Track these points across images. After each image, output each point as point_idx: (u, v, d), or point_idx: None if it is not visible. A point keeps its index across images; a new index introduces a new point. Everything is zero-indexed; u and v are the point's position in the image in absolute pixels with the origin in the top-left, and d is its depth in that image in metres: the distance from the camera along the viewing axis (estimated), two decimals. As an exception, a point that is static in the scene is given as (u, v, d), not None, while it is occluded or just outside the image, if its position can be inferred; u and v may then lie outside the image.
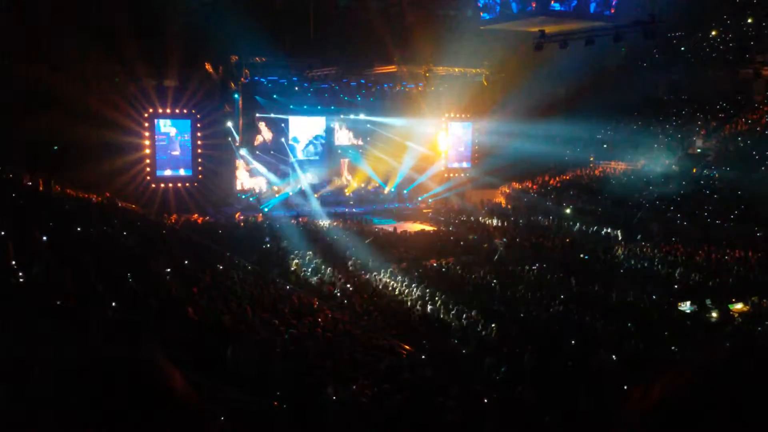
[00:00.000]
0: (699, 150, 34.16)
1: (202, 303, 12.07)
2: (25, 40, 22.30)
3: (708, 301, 17.23)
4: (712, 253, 22.81)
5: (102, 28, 23.15)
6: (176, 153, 30.70)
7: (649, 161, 34.12)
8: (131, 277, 12.36)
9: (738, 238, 23.98)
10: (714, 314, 16.66)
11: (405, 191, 38.49)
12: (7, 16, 20.71)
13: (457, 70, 34.41)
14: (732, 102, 35.84)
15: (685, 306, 17.35)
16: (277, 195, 35.14)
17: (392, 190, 38.34)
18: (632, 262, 22.77)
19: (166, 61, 27.45)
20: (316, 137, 37.46)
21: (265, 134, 35.77)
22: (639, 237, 26.31)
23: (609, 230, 27.80)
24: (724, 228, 25.71)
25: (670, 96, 38.71)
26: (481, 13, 21.84)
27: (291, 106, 35.64)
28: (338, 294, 17.88)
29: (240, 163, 34.32)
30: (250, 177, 35.18)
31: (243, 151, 33.74)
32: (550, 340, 13.48)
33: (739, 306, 17.14)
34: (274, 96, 34.67)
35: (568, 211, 31.37)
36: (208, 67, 29.90)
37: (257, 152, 35.18)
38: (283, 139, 36.33)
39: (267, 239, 24.24)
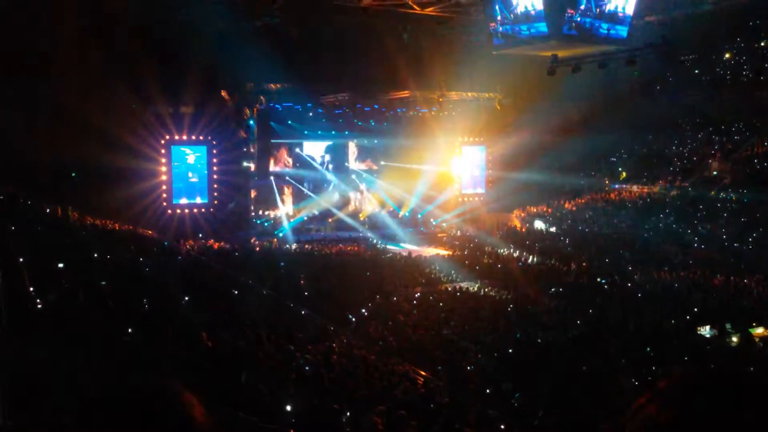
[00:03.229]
0: (715, 173, 33.92)
1: (216, 328, 12.07)
2: (41, 66, 22.58)
3: (728, 326, 16.96)
4: (731, 277, 22.52)
5: (119, 55, 23.45)
6: (193, 180, 30.82)
7: (665, 184, 33.93)
8: (147, 303, 12.41)
9: (757, 261, 23.67)
10: (734, 339, 16.40)
11: (419, 215, 38.48)
12: (24, 41, 21.05)
13: (470, 94, 34.56)
14: (748, 124, 35.63)
15: (705, 330, 17.09)
16: (291, 220, 35.29)
17: (406, 214, 38.36)
18: (650, 287, 22.51)
19: (182, 88, 27.74)
20: (330, 162, 37.74)
21: (281, 160, 36.10)
22: (657, 261, 26.05)
23: (626, 254, 27.53)
24: (743, 251, 25.41)
25: (685, 119, 38.55)
26: (492, 36, 21.92)
27: (305, 132, 35.97)
28: (353, 320, 17.83)
29: (255, 189, 34.56)
30: (265, 203, 35.39)
31: (257, 177, 33.98)
32: (567, 366, 13.32)
33: (760, 330, 16.85)
34: (289, 122, 35.00)
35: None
36: (224, 94, 30.23)
37: (272, 177, 35.44)
38: (297, 165, 36.62)
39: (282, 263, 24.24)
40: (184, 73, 26.40)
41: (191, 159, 30.57)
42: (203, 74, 26.48)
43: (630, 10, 17.04)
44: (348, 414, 8.30)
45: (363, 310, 18.65)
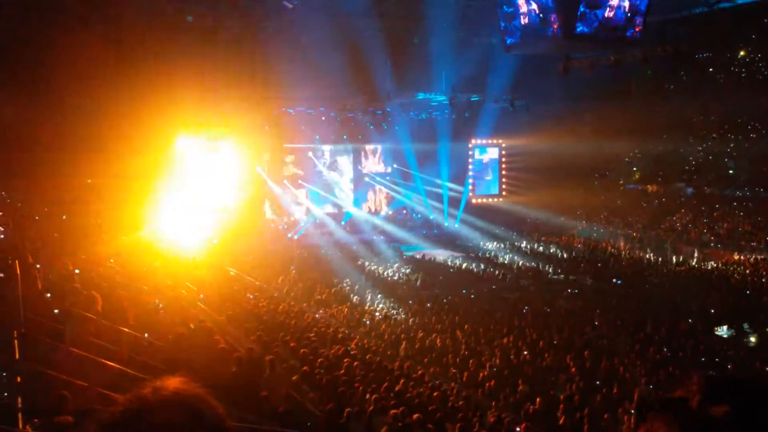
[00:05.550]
0: (731, 171, 33.63)
1: (232, 331, 12.12)
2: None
3: (746, 326, 16.80)
4: (749, 276, 22.31)
5: (124, 58, 23.41)
6: (209, 185, 30.78)
7: (681, 184, 33.70)
8: (161, 306, 12.47)
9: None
10: (752, 339, 16.24)
11: (431, 217, 38.43)
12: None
13: (482, 96, 34.41)
14: (763, 122, 35.25)
15: (723, 330, 16.94)
16: (304, 222, 35.40)
17: (419, 216, 38.37)
18: (667, 287, 22.35)
19: (196, 92, 27.70)
20: (343, 165, 37.85)
21: (294, 164, 36.21)
22: (674, 261, 25.87)
23: (643, 254, 27.36)
24: (760, 249, 25.17)
25: (700, 118, 38.20)
26: (504, 37, 21.80)
27: (317, 136, 36.00)
28: (367, 322, 17.81)
29: (268, 193, 34.67)
30: (278, 205, 35.51)
31: (270, 181, 34.08)
32: (584, 367, 13.23)
33: (778, 330, 16.68)
34: (302, 127, 35.05)
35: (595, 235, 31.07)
36: (238, 99, 30.09)
37: (285, 181, 35.56)
38: (310, 168, 36.69)
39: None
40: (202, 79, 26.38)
41: (209, 164, 30.63)
42: (217, 78, 26.47)
43: (643, 11, 16.92)
44: (363, 418, 8.29)
45: (376, 312, 18.64)
